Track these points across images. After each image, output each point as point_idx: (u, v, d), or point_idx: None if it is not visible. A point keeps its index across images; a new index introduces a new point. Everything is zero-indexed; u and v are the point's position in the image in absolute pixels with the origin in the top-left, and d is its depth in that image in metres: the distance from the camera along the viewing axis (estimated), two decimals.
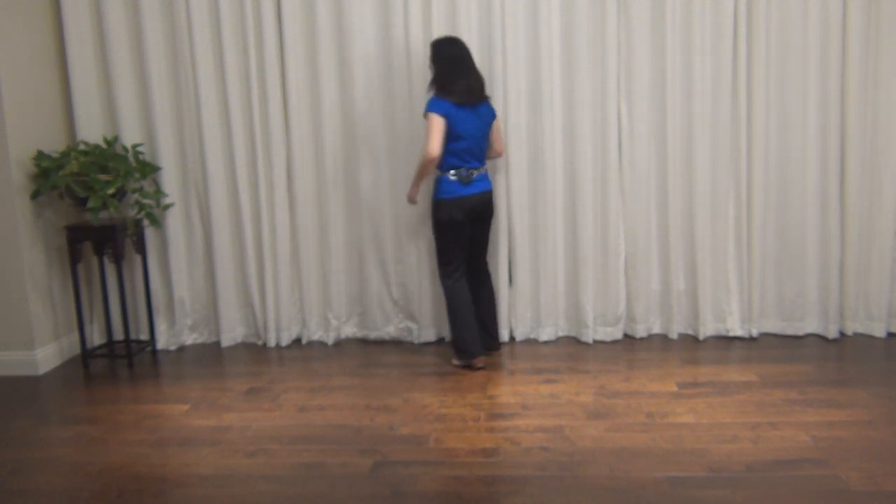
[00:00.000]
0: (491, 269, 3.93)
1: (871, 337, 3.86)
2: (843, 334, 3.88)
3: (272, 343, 4.08)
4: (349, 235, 4.02)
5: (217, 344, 4.14)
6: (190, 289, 4.12)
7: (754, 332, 3.90)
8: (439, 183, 3.53)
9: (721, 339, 3.92)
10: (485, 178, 3.59)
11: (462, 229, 3.53)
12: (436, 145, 3.35)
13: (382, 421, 3.03)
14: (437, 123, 3.36)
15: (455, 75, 3.41)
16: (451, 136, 3.42)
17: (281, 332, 4.08)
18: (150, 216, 3.85)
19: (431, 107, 3.39)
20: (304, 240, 4.01)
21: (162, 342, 4.12)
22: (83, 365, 3.85)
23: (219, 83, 3.90)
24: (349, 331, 4.15)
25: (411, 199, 3.65)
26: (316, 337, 4.14)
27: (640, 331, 3.97)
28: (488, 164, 3.74)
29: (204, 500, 2.46)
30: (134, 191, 3.82)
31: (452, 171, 3.48)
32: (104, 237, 3.76)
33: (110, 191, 3.62)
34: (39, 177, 3.70)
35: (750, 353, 3.72)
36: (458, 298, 3.57)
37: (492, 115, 3.57)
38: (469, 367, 3.61)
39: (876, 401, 3.05)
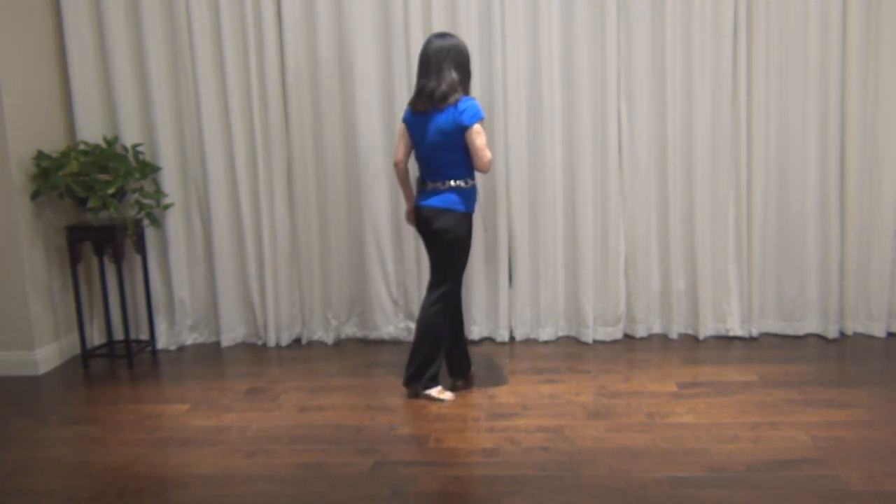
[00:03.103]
0: (491, 269, 3.93)
1: (871, 337, 3.85)
2: (843, 334, 3.88)
3: (272, 343, 4.08)
4: (349, 235, 4.02)
5: (217, 344, 4.14)
6: (190, 289, 4.12)
7: (754, 332, 3.90)
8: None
9: (721, 339, 3.92)
10: (433, 194, 3.16)
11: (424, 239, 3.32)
12: (396, 150, 3.27)
13: (382, 421, 3.03)
14: (398, 129, 3.35)
15: (418, 76, 3.16)
16: (413, 143, 3.23)
17: (281, 332, 4.08)
18: (150, 216, 3.85)
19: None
20: (304, 240, 4.01)
21: (162, 342, 4.12)
22: (83, 365, 3.85)
23: (219, 83, 3.90)
24: (349, 331, 4.15)
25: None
26: (316, 337, 4.14)
27: (640, 331, 3.97)
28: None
29: (204, 500, 2.46)
30: (134, 191, 3.82)
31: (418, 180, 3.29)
32: (104, 237, 3.76)
33: (110, 191, 3.62)
34: (39, 177, 3.70)
35: (750, 353, 3.72)
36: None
37: (451, 124, 3.06)
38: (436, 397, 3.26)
39: (876, 401, 3.05)
